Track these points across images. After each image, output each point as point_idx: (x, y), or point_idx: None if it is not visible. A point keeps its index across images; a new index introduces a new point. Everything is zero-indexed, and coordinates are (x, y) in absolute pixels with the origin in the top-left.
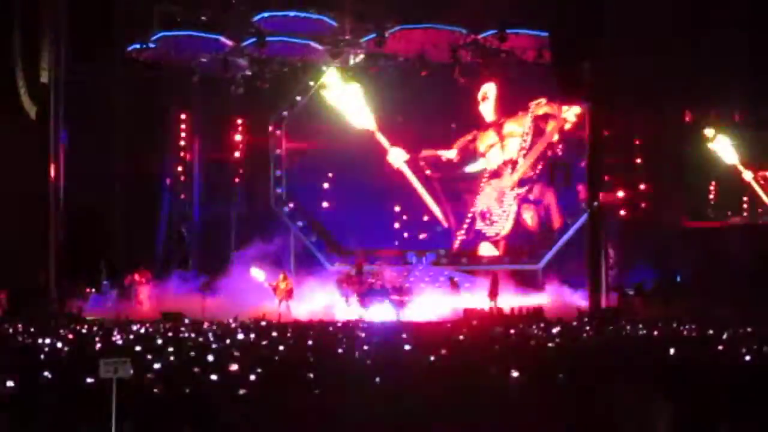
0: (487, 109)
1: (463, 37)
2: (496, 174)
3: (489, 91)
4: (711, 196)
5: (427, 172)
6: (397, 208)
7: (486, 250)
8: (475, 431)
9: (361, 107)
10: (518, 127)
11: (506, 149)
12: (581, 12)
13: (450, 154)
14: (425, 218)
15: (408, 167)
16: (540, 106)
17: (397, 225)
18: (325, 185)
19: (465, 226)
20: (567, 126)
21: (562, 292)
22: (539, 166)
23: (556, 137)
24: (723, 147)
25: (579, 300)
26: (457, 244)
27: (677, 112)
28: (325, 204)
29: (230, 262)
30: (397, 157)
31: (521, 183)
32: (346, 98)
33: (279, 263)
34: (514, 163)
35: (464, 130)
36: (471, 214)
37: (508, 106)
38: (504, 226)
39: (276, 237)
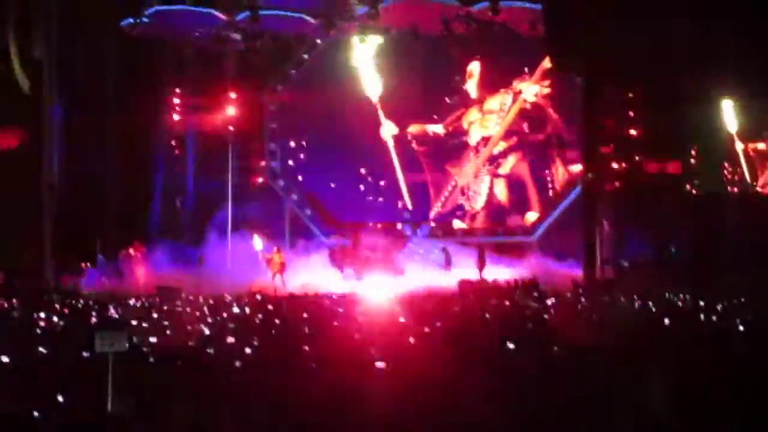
0: (472, 87)
1: (456, 9)
2: (475, 151)
3: (474, 68)
4: (703, 167)
5: (414, 145)
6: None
7: (461, 225)
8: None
9: (365, 75)
10: (497, 105)
11: (485, 126)
12: None
13: (437, 129)
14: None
15: (394, 141)
16: (523, 81)
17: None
18: (320, 158)
19: (443, 198)
20: (527, 106)
21: (556, 264)
22: (512, 140)
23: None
24: (719, 117)
25: (572, 272)
26: (432, 214)
27: (672, 82)
28: (320, 177)
29: (210, 231)
30: (388, 131)
31: (493, 158)
32: (355, 64)
33: (273, 237)
34: (487, 140)
35: (456, 106)
36: (451, 188)
37: (492, 84)
38: (478, 201)
39: (271, 210)
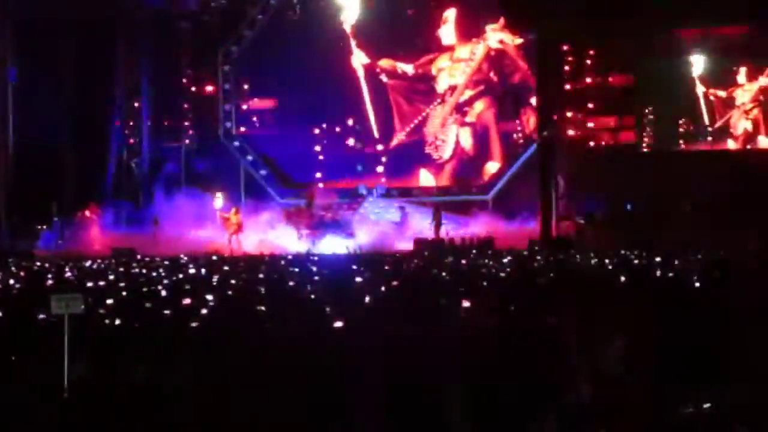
0: (446, 33)
1: None
2: (442, 99)
3: (449, 15)
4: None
5: (383, 77)
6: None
7: (426, 178)
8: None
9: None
10: (467, 53)
11: (453, 75)
12: None
13: (407, 68)
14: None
15: (364, 72)
16: (495, 31)
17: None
18: (275, 118)
19: (407, 129)
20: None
21: (512, 222)
22: (479, 89)
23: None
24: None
25: (529, 230)
26: (394, 142)
27: (630, 33)
28: (274, 137)
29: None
30: (359, 60)
31: (459, 107)
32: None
33: (230, 197)
34: (454, 88)
35: (425, 51)
36: (417, 121)
37: (464, 32)
38: (445, 150)
39: (226, 171)
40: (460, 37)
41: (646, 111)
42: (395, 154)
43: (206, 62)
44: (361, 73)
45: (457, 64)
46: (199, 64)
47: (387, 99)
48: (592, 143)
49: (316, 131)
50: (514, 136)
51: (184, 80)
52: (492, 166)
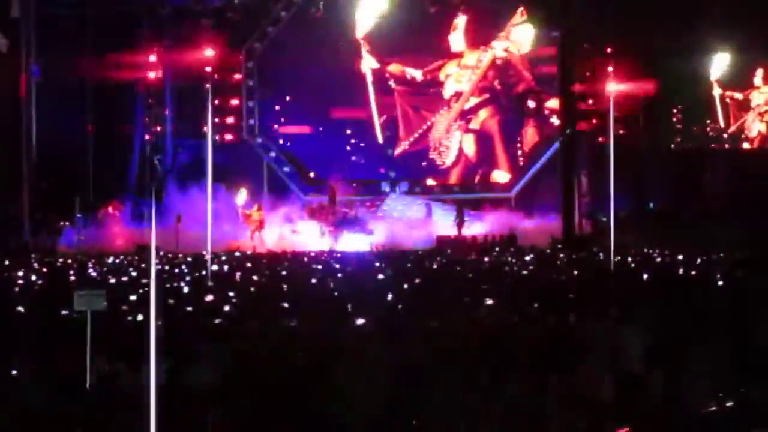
0: (456, 40)
1: None
2: (448, 105)
3: (459, 22)
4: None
5: (391, 83)
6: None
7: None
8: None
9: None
10: (473, 60)
11: (459, 81)
12: None
13: (416, 73)
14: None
15: (373, 76)
16: (502, 40)
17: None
18: (298, 115)
19: (412, 138)
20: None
21: (534, 219)
22: (484, 96)
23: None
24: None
25: (551, 227)
26: (398, 150)
27: (652, 36)
28: (298, 134)
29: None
30: (368, 64)
31: (464, 113)
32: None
33: (252, 194)
34: (459, 95)
35: (435, 56)
36: (422, 130)
37: (474, 39)
38: (448, 156)
39: (249, 167)
40: (469, 44)
41: (667, 111)
42: (401, 162)
43: (229, 59)
44: (369, 78)
45: (463, 71)
46: (222, 60)
47: (394, 105)
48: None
49: (338, 129)
50: (519, 144)
51: (208, 77)
52: (498, 175)
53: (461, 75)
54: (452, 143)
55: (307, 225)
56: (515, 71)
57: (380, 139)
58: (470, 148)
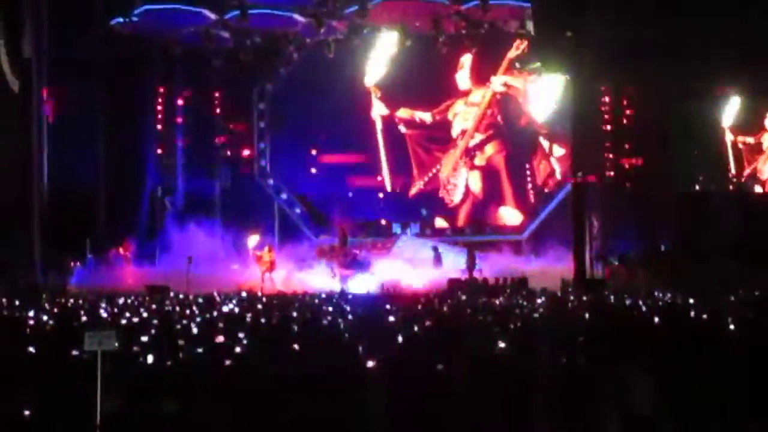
0: (462, 78)
1: (446, 8)
2: (454, 143)
3: (465, 60)
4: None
5: (401, 128)
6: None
7: (446, 221)
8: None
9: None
10: (478, 97)
11: (465, 119)
12: None
13: (425, 116)
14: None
15: (383, 123)
16: (500, 75)
17: (380, 195)
18: (310, 157)
19: (426, 178)
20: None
21: (545, 261)
22: (489, 132)
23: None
24: (713, 112)
25: (562, 270)
26: (413, 191)
27: (663, 79)
28: (309, 175)
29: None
30: (378, 111)
31: (469, 150)
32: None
33: (263, 235)
34: (464, 132)
35: (444, 96)
36: (435, 170)
37: (479, 77)
38: (456, 194)
39: (260, 209)
40: (474, 81)
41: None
42: (414, 202)
43: (240, 100)
44: (379, 125)
45: (469, 108)
46: (233, 101)
47: (405, 149)
48: (627, 184)
49: (349, 171)
50: (528, 178)
51: (218, 118)
52: (506, 211)
53: (468, 113)
54: (459, 181)
55: (317, 266)
56: (515, 105)
57: (389, 188)
58: (476, 185)
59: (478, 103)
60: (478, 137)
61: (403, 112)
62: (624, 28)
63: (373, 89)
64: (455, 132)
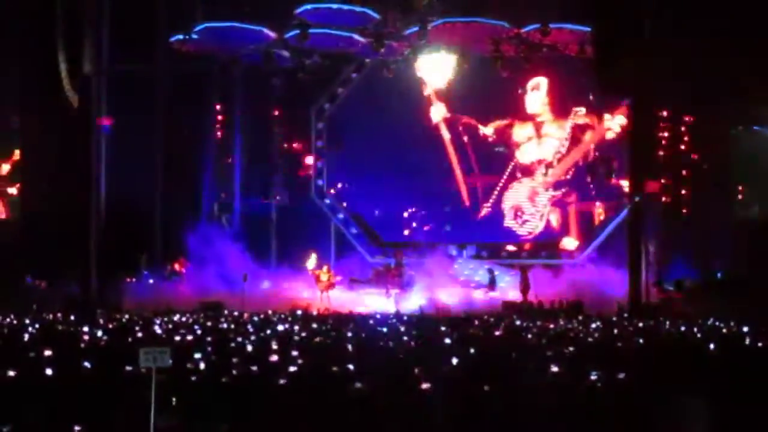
0: (534, 100)
1: (506, 31)
2: (527, 171)
3: (541, 83)
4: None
5: (465, 138)
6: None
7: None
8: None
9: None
10: (558, 130)
11: (542, 148)
12: (624, 7)
13: (487, 130)
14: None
15: (446, 127)
16: (579, 116)
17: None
18: (367, 177)
19: (492, 199)
20: (609, 135)
21: (601, 287)
22: (570, 172)
23: (592, 146)
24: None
25: (617, 295)
26: (483, 212)
27: (722, 108)
28: (366, 196)
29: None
30: (438, 112)
31: (555, 186)
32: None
33: (320, 255)
34: (548, 165)
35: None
36: (498, 189)
37: (553, 106)
38: (537, 226)
39: (317, 228)
40: (551, 111)
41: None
42: (474, 224)
43: (298, 119)
44: (442, 126)
45: (547, 139)
46: (291, 120)
47: (470, 162)
48: (683, 210)
49: (407, 190)
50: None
51: (276, 136)
52: (568, 242)
53: (545, 143)
54: (539, 213)
55: (373, 287)
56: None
57: (467, 202)
58: (556, 220)
59: (560, 137)
60: (559, 170)
61: (468, 120)
62: (684, 55)
63: (433, 95)
64: (526, 159)
